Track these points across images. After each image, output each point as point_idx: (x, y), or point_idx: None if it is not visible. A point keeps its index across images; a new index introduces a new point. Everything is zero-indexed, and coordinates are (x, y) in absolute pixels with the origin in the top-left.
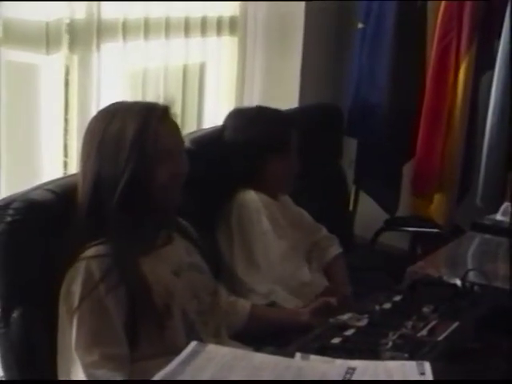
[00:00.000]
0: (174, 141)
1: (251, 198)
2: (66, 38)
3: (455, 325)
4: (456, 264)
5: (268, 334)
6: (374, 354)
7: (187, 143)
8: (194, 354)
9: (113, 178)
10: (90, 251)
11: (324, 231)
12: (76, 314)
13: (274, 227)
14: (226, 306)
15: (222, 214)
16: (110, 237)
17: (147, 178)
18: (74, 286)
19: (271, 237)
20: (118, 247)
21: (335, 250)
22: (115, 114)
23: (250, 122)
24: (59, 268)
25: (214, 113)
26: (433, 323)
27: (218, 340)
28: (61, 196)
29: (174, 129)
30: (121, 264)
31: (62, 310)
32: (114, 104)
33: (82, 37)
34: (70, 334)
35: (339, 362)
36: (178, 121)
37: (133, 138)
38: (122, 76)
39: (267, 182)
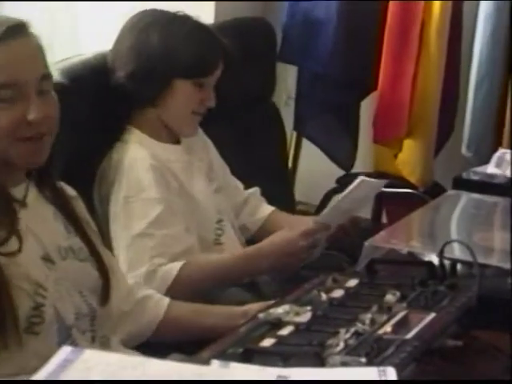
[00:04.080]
0: (30, 71)
1: (136, 152)
2: None
3: (430, 317)
4: (432, 234)
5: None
6: (318, 358)
7: (55, 75)
8: (66, 364)
9: None
10: None
11: (245, 192)
12: None
13: (173, 192)
14: (132, 305)
15: (100, 171)
16: None
17: None
18: None
19: (167, 208)
20: None
21: (266, 208)
22: None
23: (154, 34)
24: None
25: (94, 35)
26: (399, 316)
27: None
28: None
29: (32, 53)
30: None
31: None
32: None
33: None
34: None
35: (270, 370)
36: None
37: None
38: None
39: (168, 118)
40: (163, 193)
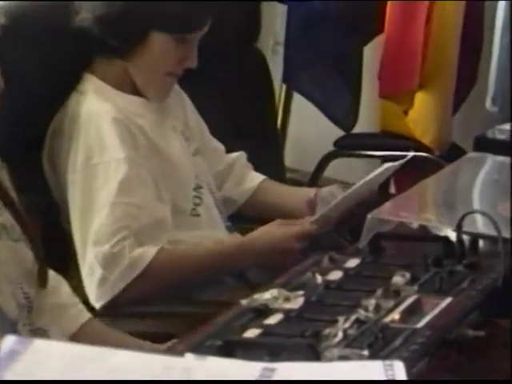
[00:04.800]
0: None
1: (95, 105)
2: None
3: (446, 302)
4: (448, 205)
5: None
6: (312, 352)
7: None
8: (13, 356)
9: None
10: None
11: (228, 157)
12: None
13: (141, 151)
14: (53, 306)
15: (51, 131)
16: None
17: None
18: None
19: (135, 170)
20: None
21: (256, 177)
22: None
23: None
24: None
25: None
26: (409, 301)
27: None
28: None
29: None
30: None
31: None
32: None
33: None
34: None
35: (253, 364)
36: None
37: None
38: None
39: (137, 75)
40: (129, 151)
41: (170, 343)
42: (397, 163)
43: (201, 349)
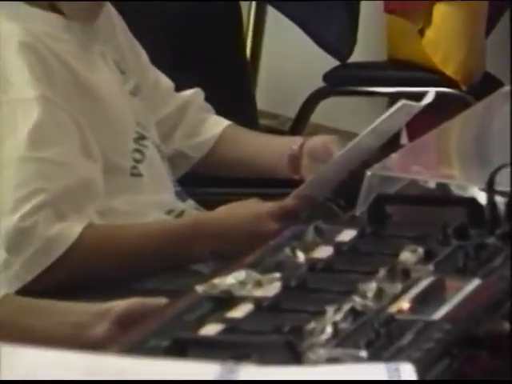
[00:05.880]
0: None
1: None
2: None
3: (472, 286)
4: (476, 156)
5: None
6: (292, 352)
7: None
8: None
9: None
10: None
11: (178, 96)
12: None
13: (61, 88)
14: None
15: None
16: None
17: None
18: None
19: (52, 114)
20: None
21: (218, 122)
22: None
23: None
24: None
25: None
26: (422, 284)
27: None
28: None
29: None
30: None
31: None
32: None
33: None
34: None
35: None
36: None
37: None
38: None
39: None
40: (44, 88)
41: (109, 305)
42: (418, 104)
43: (142, 350)
